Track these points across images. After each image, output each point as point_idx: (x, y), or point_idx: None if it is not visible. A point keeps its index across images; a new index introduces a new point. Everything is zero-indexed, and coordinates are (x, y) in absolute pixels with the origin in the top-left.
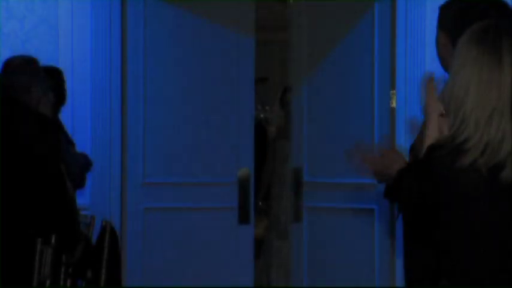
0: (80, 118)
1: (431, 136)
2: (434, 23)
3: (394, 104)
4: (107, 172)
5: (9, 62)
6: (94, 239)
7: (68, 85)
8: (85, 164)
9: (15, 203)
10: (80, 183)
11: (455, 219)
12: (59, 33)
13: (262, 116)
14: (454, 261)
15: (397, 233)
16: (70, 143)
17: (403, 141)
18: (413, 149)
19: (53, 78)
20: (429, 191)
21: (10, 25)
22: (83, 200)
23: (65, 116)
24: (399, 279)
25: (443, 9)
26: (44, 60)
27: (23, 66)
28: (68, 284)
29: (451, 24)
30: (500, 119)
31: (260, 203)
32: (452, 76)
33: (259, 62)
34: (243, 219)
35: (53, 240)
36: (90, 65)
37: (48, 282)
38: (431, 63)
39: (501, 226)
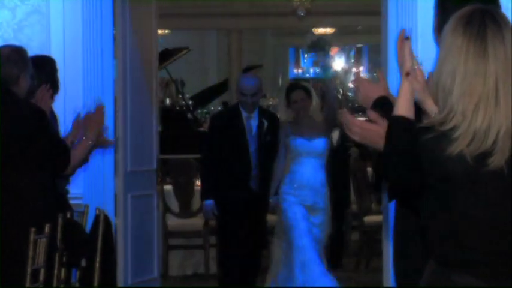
0: (72, 107)
1: (404, 96)
2: None
3: None
4: (100, 162)
5: None
6: (88, 227)
7: (60, 74)
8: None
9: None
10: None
11: (440, 203)
12: (50, 22)
13: (271, 103)
14: (439, 244)
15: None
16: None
17: None
18: (376, 105)
19: (45, 67)
20: (416, 177)
21: (1, 14)
22: (76, 189)
23: (56, 104)
24: None
25: None
26: (36, 49)
27: (12, 57)
28: (62, 272)
29: (436, 11)
30: (485, 108)
31: (271, 200)
32: (439, 65)
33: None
34: None
35: (46, 230)
36: (82, 53)
37: (42, 271)
38: None
39: (485, 211)
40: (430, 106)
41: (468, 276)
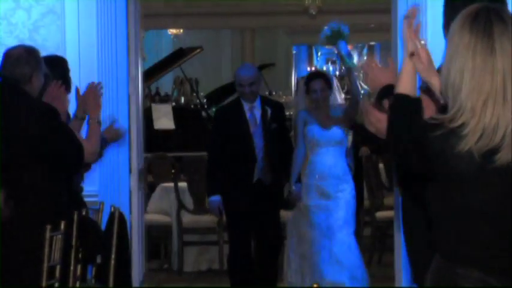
0: None
1: (406, 76)
2: None
3: None
4: (115, 160)
5: (10, 53)
6: (103, 225)
7: (75, 74)
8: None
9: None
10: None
11: (447, 199)
12: (65, 22)
13: (283, 100)
14: (445, 237)
15: None
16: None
17: None
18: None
19: (57, 67)
20: (423, 166)
21: (17, 15)
22: (92, 187)
23: (71, 105)
24: None
25: None
26: (51, 49)
27: (24, 57)
28: (78, 269)
29: (445, 8)
30: (494, 105)
31: (294, 188)
32: (447, 62)
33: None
34: None
35: (62, 227)
36: (97, 53)
37: (58, 268)
38: None
39: (491, 206)
40: (435, 84)
41: (475, 270)
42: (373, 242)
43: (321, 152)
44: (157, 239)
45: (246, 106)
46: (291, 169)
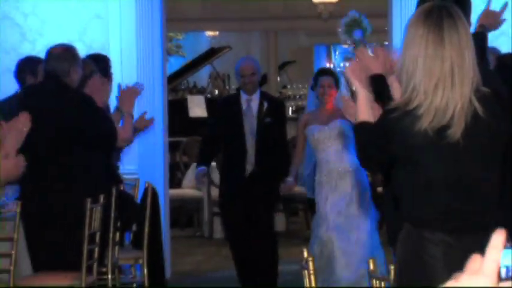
0: None
1: (362, 103)
2: None
3: None
4: (151, 142)
5: (52, 51)
6: (139, 198)
7: (117, 71)
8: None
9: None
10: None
11: (409, 172)
12: (109, 26)
13: (302, 92)
14: (411, 206)
15: None
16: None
17: None
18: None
19: (100, 63)
20: (384, 146)
21: (67, 19)
22: (132, 166)
23: (113, 99)
24: None
25: None
26: (97, 50)
27: (63, 54)
28: (117, 236)
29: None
30: (443, 88)
31: (288, 179)
32: (403, 52)
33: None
34: None
35: (101, 200)
36: (136, 53)
37: (98, 235)
38: None
39: (446, 176)
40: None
41: (439, 232)
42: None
43: (324, 149)
44: (190, 210)
45: (244, 97)
46: (291, 166)
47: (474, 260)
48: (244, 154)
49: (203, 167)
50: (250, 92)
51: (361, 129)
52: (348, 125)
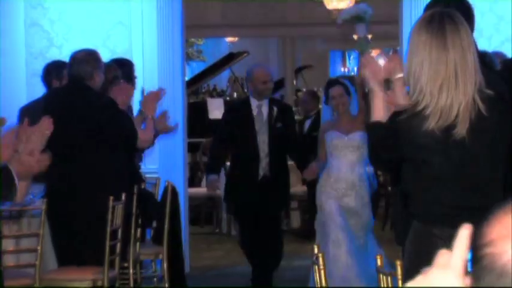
0: None
1: (378, 104)
2: None
3: None
4: (171, 143)
5: (76, 55)
6: (159, 197)
7: (139, 74)
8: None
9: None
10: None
11: (417, 171)
12: (131, 32)
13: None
14: (420, 204)
15: None
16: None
17: None
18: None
19: (124, 67)
20: (393, 146)
21: (91, 26)
22: (153, 165)
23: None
24: None
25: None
26: (120, 54)
27: (87, 58)
28: (138, 232)
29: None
30: (448, 89)
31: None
32: (409, 58)
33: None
34: None
35: (123, 198)
36: (157, 58)
37: (120, 231)
38: None
39: (453, 173)
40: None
41: (448, 228)
42: (385, 210)
43: (338, 156)
44: (210, 208)
45: (254, 104)
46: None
47: (442, 255)
48: (257, 159)
49: (214, 175)
50: (263, 98)
51: (373, 129)
52: (363, 136)
